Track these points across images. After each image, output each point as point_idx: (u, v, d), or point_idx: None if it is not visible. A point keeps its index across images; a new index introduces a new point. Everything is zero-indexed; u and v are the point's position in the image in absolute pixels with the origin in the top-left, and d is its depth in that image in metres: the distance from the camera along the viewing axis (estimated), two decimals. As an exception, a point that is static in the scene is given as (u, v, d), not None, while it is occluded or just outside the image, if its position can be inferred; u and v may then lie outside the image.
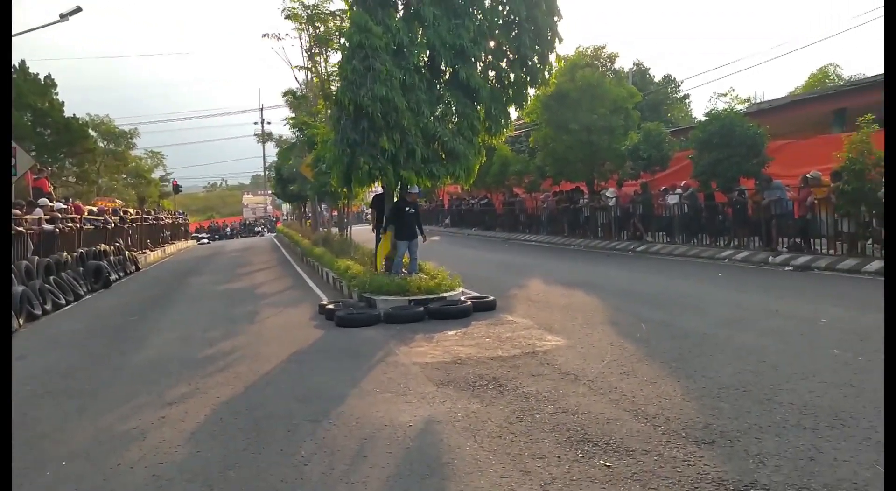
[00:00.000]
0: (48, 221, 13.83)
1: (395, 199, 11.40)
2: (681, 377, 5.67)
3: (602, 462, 3.99)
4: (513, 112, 12.04)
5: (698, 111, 43.06)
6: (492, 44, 11.15)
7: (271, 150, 47.32)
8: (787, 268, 12.67)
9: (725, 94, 40.94)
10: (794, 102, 22.18)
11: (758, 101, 31.92)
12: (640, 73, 36.55)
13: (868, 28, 49.89)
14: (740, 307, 8.92)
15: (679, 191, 18.06)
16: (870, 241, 12.08)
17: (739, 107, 31.32)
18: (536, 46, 11.00)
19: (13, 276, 10.56)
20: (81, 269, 14.60)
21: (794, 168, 15.44)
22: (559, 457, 4.11)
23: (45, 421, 5.28)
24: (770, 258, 13.42)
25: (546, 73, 11.35)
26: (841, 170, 12.07)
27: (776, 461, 3.82)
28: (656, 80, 37.96)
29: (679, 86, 39.24)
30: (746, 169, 15.17)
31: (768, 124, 16.25)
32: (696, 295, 10.20)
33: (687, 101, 40.31)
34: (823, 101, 20.74)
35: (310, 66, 19.40)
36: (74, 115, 36.80)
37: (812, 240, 13.44)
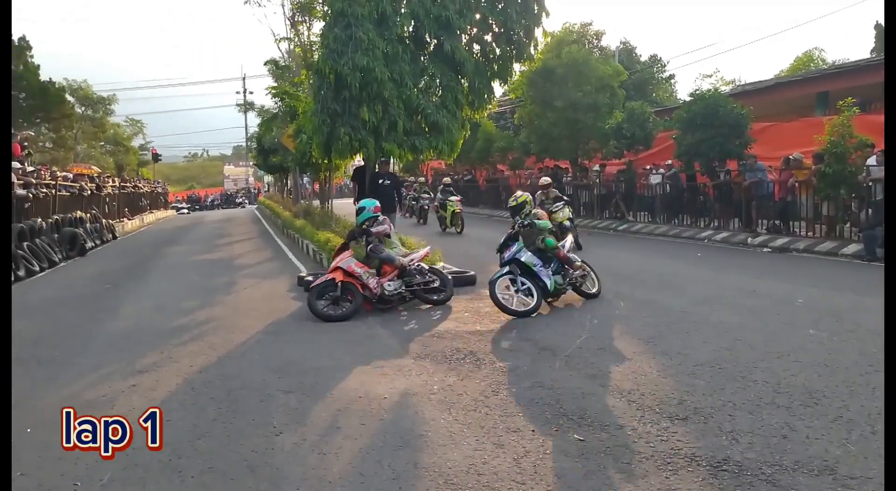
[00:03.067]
0: (21, 186, 13.51)
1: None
2: (657, 354, 5.68)
3: (576, 436, 3.98)
4: (497, 87, 11.89)
5: (683, 92, 43.06)
6: (477, 16, 10.94)
7: (253, 121, 46.61)
8: (765, 249, 12.77)
9: (710, 75, 40.96)
10: (779, 85, 22.21)
11: (742, 82, 31.95)
12: (627, 51, 36.34)
13: (851, 13, 49.98)
14: (718, 286, 8.97)
15: (662, 171, 18.08)
16: (848, 225, 12.19)
17: (724, 88, 31.36)
18: (523, 20, 10.80)
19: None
20: (56, 235, 14.33)
21: (777, 150, 15.49)
22: (533, 430, 4.10)
23: (14, 387, 5.16)
24: (749, 239, 13.51)
25: (532, 49, 11.18)
26: (823, 152, 12.12)
27: (749, 438, 3.83)
28: (643, 59, 37.79)
29: (665, 66, 39.13)
30: (729, 150, 15.19)
31: (752, 106, 16.25)
32: (675, 273, 10.25)
33: (672, 81, 40.22)
34: (807, 85, 20.80)
35: (292, 34, 19.01)
36: (51, 78, 35.92)
37: (791, 222, 13.53)
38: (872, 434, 3.77)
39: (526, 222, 8.06)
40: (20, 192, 13.29)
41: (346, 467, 3.66)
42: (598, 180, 20.42)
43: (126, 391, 5.04)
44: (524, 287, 7.59)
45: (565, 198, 13.88)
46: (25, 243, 12.30)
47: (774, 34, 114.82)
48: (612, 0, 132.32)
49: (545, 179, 14.98)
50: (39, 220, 13.70)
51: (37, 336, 7.11)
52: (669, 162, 18.01)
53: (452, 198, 18.79)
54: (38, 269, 12.05)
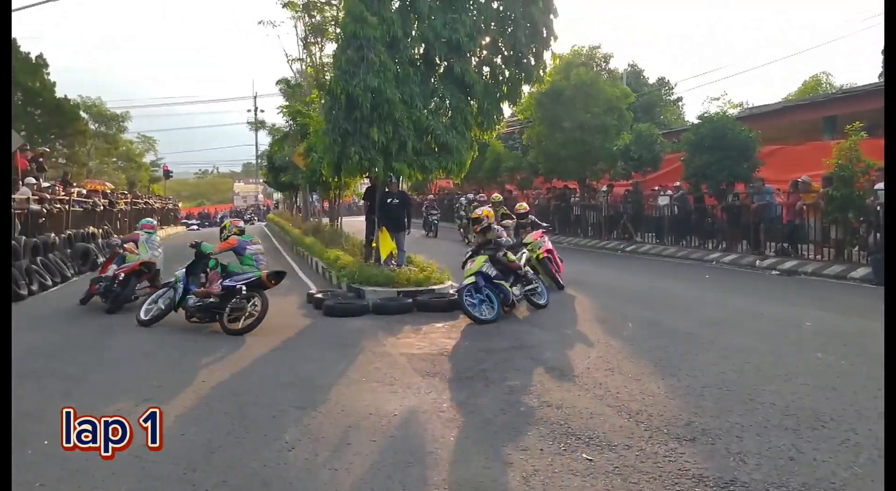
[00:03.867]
0: (36, 201, 13.69)
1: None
2: (665, 375, 5.72)
3: (584, 456, 4.02)
4: (506, 108, 12.05)
5: (691, 114, 43.19)
6: (487, 39, 11.15)
7: (264, 139, 47.05)
8: (773, 272, 12.78)
9: (718, 98, 41.10)
10: (786, 108, 22.33)
11: (750, 106, 32.09)
12: (635, 74, 36.61)
13: (860, 37, 50.21)
14: (726, 309, 8.99)
15: (670, 192, 18.15)
16: (856, 248, 12.20)
17: (732, 111, 31.48)
18: (532, 44, 11.00)
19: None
20: (69, 250, 14.47)
21: (785, 173, 15.55)
22: (542, 449, 4.14)
23: (29, 400, 5.24)
24: (757, 262, 13.52)
25: (541, 71, 11.36)
26: (831, 175, 12.17)
27: (756, 460, 3.87)
28: (650, 81, 38.04)
29: (673, 88, 39.38)
30: (737, 172, 15.27)
31: (760, 129, 16.36)
32: (683, 295, 10.28)
33: (680, 103, 40.45)
34: (814, 109, 20.90)
35: (305, 55, 19.32)
36: (66, 95, 36.42)
37: (799, 245, 13.55)
38: (880, 458, 3.79)
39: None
40: (34, 207, 13.47)
41: (357, 483, 3.72)
42: (605, 201, 20.49)
43: (140, 405, 5.09)
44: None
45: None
46: (39, 258, 12.43)
47: (782, 59, 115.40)
48: (621, 24, 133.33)
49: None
50: (53, 235, 13.86)
51: (51, 350, 7.20)
52: (677, 183, 18.09)
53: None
54: (50, 283, 12.17)
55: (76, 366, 6.52)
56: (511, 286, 8.68)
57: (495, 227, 9.24)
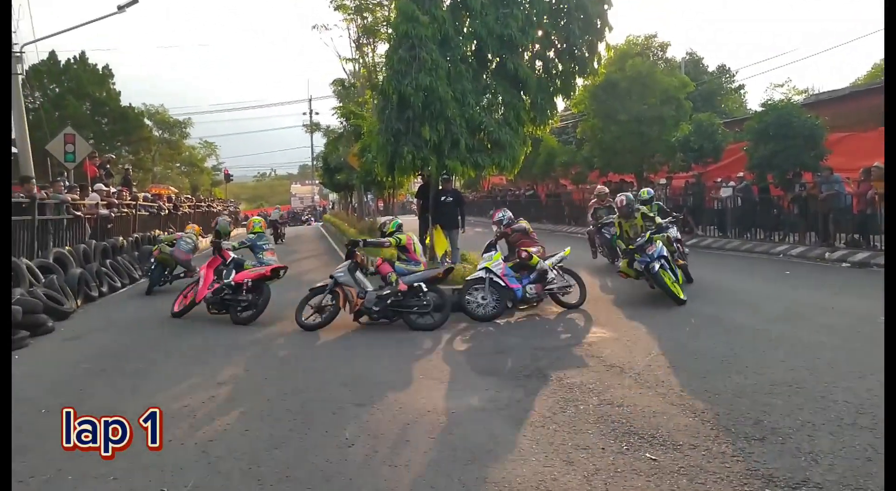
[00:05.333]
0: (105, 207, 14.31)
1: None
2: (731, 372, 5.53)
3: (648, 455, 3.93)
4: (560, 102, 11.89)
5: (753, 102, 41.74)
6: (539, 33, 11.00)
7: (319, 141, 47.92)
8: (844, 264, 12.22)
9: (782, 85, 39.61)
10: (855, 93, 21.30)
11: (816, 92, 30.77)
12: (693, 62, 35.60)
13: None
14: (795, 303, 8.65)
15: (732, 183, 17.59)
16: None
17: (797, 98, 30.31)
18: (585, 35, 10.80)
19: (71, 258, 10.98)
20: (136, 253, 15.07)
21: (855, 161, 14.86)
22: (603, 448, 4.06)
23: (100, 398, 5.47)
24: (827, 254, 12.96)
25: (595, 63, 11.15)
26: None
27: (830, 460, 3.70)
28: (710, 69, 36.94)
29: (734, 76, 38.15)
30: (804, 161, 14.68)
31: (827, 116, 15.67)
32: (748, 290, 9.94)
33: (742, 91, 39.12)
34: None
35: (357, 56, 19.56)
36: (130, 104, 37.97)
37: (871, 236, 12.91)
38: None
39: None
40: (103, 212, 14.08)
41: (417, 480, 3.73)
42: (664, 194, 20.01)
43: (206, 402, 5.27)
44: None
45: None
46: (108, 261, 12.99)
47: (850, 41, 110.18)
48: (678, 11, 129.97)
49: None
50: (121, 238, 14.46)
51: (120, 349, 7.50)
52: (741, 174, 17.51)
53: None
54: (119, 284, 12.68)
55: (144, 363, 6.76)
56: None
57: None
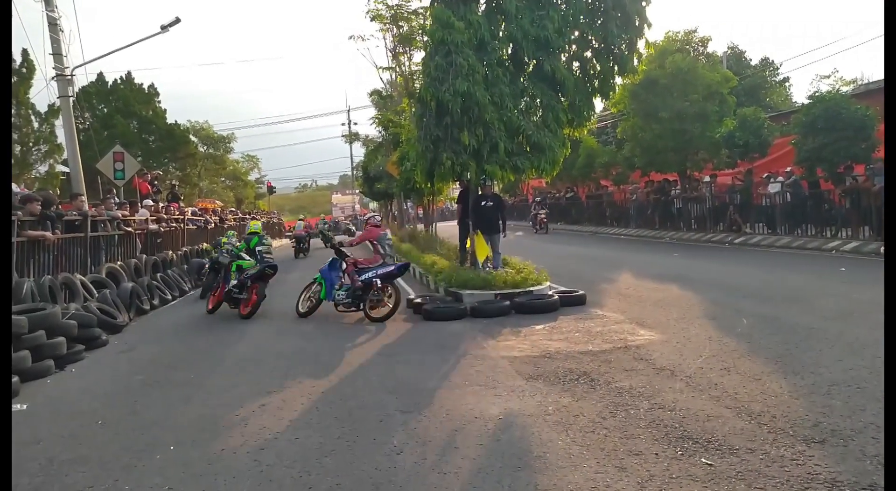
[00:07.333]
0: (154, 221, 14.72)
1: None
2: (787, 373, 5.35)
3: (703, 460, 3.81)
4: (598, 103, 11.76)
5: (799, 95, 40.58)
6: (576, 33, 10.91)
7: (358, 150, 48.47)
8: (903, 259, 11.74)
9: (828, 76, 38.39)
10: (909, 80, 20.49)
11: (865, 81, 29.72)
12: (736, 56, 34.81)
13: None
14: (851, 301, 8.34)
15: (780, 179, 17.11)
16: None
17: (844, 88, 29.35)
18: (623, 34, 10.68)
19: (123, 272, 11.30)
20: (185, 266, 15.44)
21: (911, 151, 14.28)
22: (657, 454, 3.96)
23: (154, 409, 5.60)
24: (882, 249, 12.47)
25: (634, 61, 11.01)
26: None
27: (899, 464, 3.52)
28: (753, 63, 36.06)
29: (778, 69, 37.13)
30: (855, 153, 14.20)
31: (878, 105, 15.08)
32: (802, 288, 9.63)
33: (787, 84, 38.05)
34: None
35: (394, 65, 19.68)
36: (176, 121, 39.02)
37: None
38: None
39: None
40: (153, 227, 14.48)
41: (466, 487, 3.69)
42: (709, 192, 19.59)
43: (257, 411, 5.33)
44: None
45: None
46: (159, 274, 13.34)
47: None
48: (718, 5, 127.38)
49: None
50: (170, 252, 14.85)
51: (171, 360, 7.67)
52: (789, 169, 17.02)
53: None
54: (170, 297, 13.01)
55: (195, 373, 6.90)
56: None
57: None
